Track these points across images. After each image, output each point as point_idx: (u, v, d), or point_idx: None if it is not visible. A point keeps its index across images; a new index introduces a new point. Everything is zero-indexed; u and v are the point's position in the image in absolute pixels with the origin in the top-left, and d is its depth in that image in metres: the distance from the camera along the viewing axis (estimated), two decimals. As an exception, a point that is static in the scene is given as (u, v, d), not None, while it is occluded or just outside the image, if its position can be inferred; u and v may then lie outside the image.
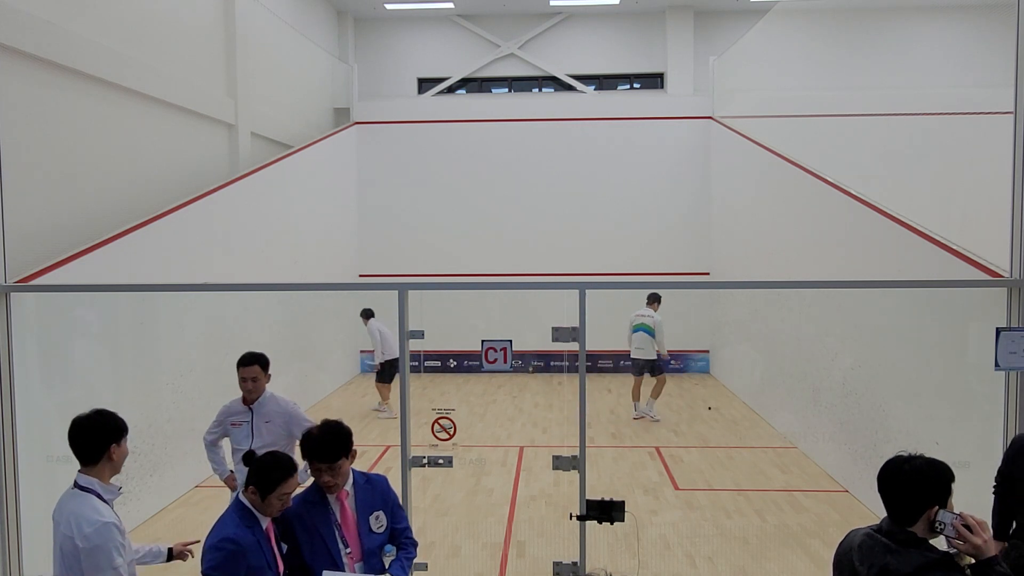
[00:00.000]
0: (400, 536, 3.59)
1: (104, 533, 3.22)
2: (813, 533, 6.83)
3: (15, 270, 5.94)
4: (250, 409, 5.19)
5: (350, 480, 3.51)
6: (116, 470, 3.46)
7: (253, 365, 5.12)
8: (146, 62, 8.55)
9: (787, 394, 10.04)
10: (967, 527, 2.55)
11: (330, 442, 3.40)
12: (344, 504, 3.46)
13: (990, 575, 2.51)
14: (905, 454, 2.70)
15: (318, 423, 3.55)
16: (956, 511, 2.61)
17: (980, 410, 5.61)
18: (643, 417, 10.97)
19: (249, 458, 3.41)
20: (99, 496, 3.33)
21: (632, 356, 10.98)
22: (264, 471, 3.29)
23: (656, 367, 10.84)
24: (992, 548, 2.55)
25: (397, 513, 3.60)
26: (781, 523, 7.13)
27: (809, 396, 9.05)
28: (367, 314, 11.85)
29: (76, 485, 3.35)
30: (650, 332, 10.79)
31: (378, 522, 3.50)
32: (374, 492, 3.54)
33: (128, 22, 8.31)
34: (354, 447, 3.50)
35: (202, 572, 3.14)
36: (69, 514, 3.26)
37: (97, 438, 3.39)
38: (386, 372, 11.66)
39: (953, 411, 6.04)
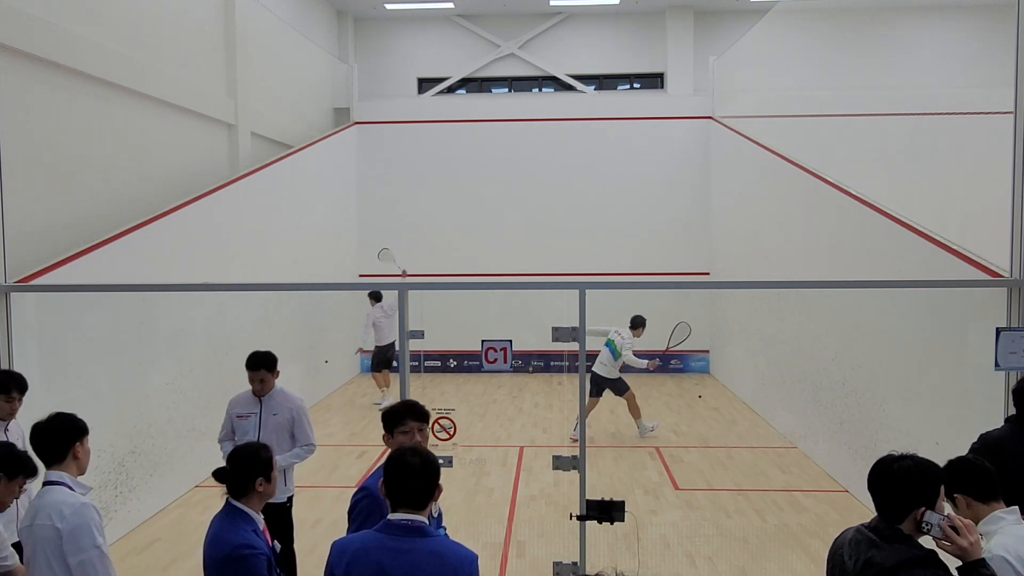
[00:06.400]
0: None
1: (84, 513, 3.22)
2: (813, 533, 6.83)
3: (15, 270, 5.94)
4: (259, 400, 5.28)
5: None
6: (82, 470, 3.46)
7: (260, 369, 5.22)
8: (146, 62, 8.55)
9: (787, 394, 10.04)
10: (954, 529, 2.56)
11: (420, 407, 3.57)
12: None
13: None
14: (896, 453, 2.71)
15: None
16: (944, 512, 2.62)
17: (980, 410, 5.60)
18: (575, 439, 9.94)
19: (220, 474, 3.32)
20: (70, 489, 3.34)
21: (592, 368, 9.98)
22: (254, 452, 3.30)
23: (619, 387, 10.03)
24: (979, 551, 2.55)
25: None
26: (781, 523, 7.13)
27: (809, 396, 9.05)
28: (376, 296, 12.14)
29: (48, 482, 3.34)
30: (614, 353, 9.96)
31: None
32: None
33: (128, 22, 8.31)
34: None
35: None
36: (44, 506, 3.24)
37: (59, 438, 3.39)
38: (378, 360, 12.01)
39: (953, 411, 6.04)
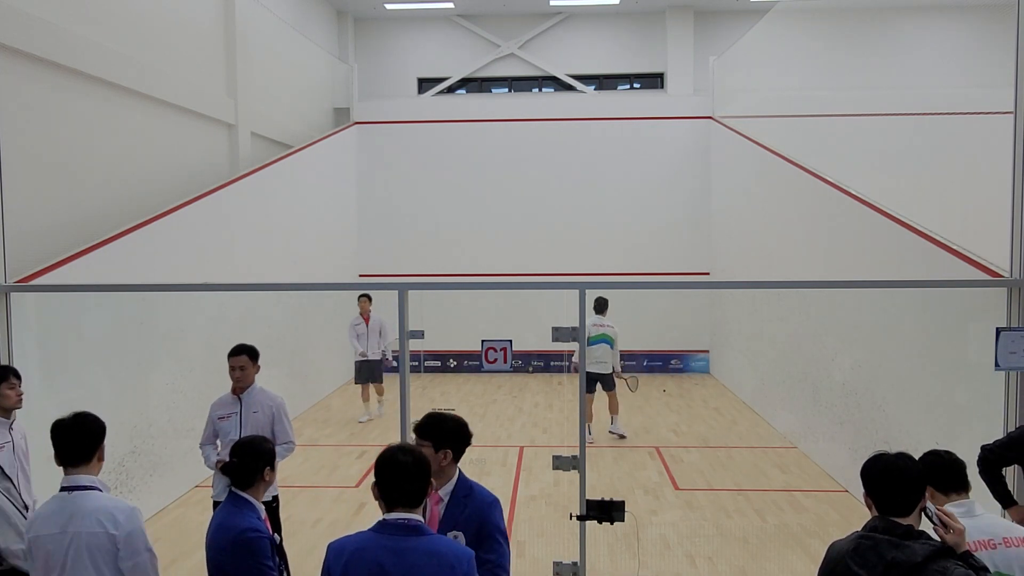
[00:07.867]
0: (482, 567, 3.05)
1: (136, 517, 3.22)
2: (813, 533, 6.83)
3: (15, 270, 5.94)
4: (239, 399, 5.34)
5: (451, 485, 3.27)
6: (99, 470, 3.42)
7: (241, 355, 5.34)
8: (146, 62, 8.55)
9: (787, 394, 10.04)
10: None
11: (435, 424, 3.31)
12: (434, 510, 3.26)
13: (975, 568, 2.58)
14: (884, 451, 2.81)
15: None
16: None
17: (980, 410, 5.61)
18: (592, 439, 9.78)
19: (227, 467, 3.37)
20: (101, 492, 3.30)
21: (587, 370, 9.51)
22: (259, 443, 3.41)
23: (609, 382, 9.97)
24: (964, 542, 2.64)
25: (487, 543, 3.15)
26: (781, 523, 7.13)
27: (809, 396, 9.05)
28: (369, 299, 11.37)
29: (78, 487, 3.23)
30: (611, 344, 9.94)
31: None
32: (464, 510, 3.22)
33: (128, 22, 8.31)
34: (462, 444, 3.32)
35: (258, 563, 3.14)
36: (89, 512, 3.16)
37: (89, 439, 3.33)
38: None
39: (953, 411, 6.05)
